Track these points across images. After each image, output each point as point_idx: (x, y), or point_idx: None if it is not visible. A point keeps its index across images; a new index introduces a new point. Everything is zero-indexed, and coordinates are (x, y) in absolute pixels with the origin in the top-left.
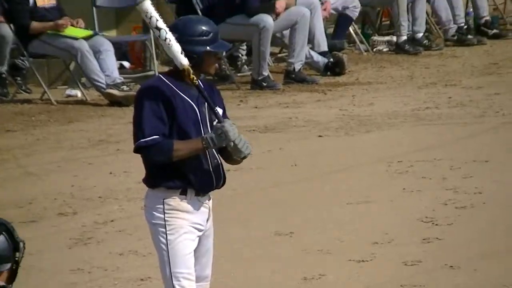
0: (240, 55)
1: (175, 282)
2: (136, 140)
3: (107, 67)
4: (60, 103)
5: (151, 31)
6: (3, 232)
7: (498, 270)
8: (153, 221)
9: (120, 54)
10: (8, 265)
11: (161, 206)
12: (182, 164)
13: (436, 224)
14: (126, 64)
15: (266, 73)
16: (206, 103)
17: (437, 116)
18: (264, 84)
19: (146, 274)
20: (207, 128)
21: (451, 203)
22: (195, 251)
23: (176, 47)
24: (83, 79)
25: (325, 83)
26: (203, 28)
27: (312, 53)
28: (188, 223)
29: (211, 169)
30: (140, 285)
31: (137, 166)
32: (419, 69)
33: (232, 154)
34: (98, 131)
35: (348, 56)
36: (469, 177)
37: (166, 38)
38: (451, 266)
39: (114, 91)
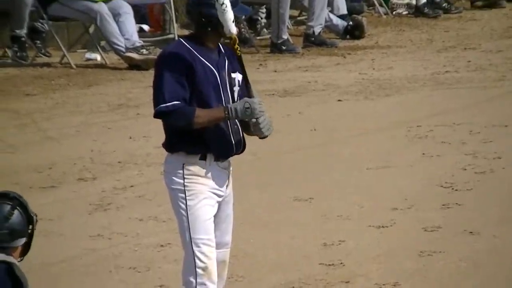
0: (259, 18)
1: (195, 248)
2: (157, 105)
3: (127, 30)
4: (80, 66)
5: None
6: (17, 207)
7: None
8: (173, 186)
9: (139, 17)
10: (24, 239)
11: (181, 171)
12: (202, 130)
13: (456, 190)
14: (146, 27)
15: (285, 36)
16: (226, 70)
17: (457, 80)
18: (284, 47)
19: (166, 240)
20: (227, 93)
21: (470, 168)
22: (214, 217)
23: (230, 14)
24: (103, 43)
25: (344, 47)
26: None
27: (332, 16)
28: (208, 188)
29: (231, 136)
30: (160, 251)
31: (156, 131)
32: (439, 33)
33: (252, 131)
34: (117, 95)
35: (367, 19)
36: (489, 142)
37: (223, 3)
38: (471, 232)
39: (134, 55)
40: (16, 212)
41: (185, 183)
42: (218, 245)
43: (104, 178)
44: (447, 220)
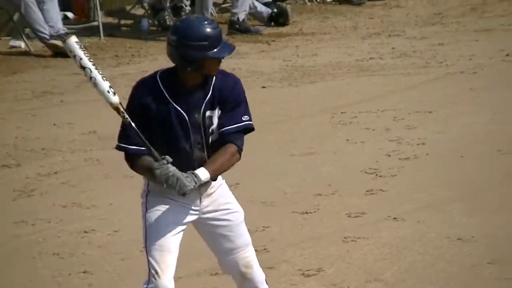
0: (183, 5)
1: (148, 255)
2: (118, 140)
3: (51, 18)
4: (4, 54)
5: None
6: None
7: (441, 221)
8: (141, 200)
9: (64, 4)
10: None
11: (146, 185)
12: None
13: (380, 176)
14: (70, 15)
15: None
16: (202, 110)
17: (381, 66)
18: None
19: (90, 227)
20: (199, 135)
21: (394, 154)
22: (209, 232)
23: (102, 86)
24: (27, 30)
25: (269, 34)
26: (204, 33)
27: (256, 3)
28: (171, 200)
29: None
30: (84, 237)
31: (81, 118)
32: (363, 20)
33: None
34: (41, 82)
35: (292, 7)
36: (413, 128)
37: (91, 77)
38: (395, 218)
39: (58, 42)
40: None
41: (147, 197)
42: (227, 252)
43: (28, 165)
44: (371, 206)
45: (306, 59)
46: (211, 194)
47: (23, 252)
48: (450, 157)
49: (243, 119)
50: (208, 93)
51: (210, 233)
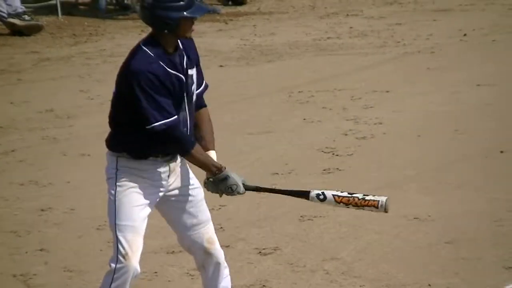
0: None
1: (118, 234)
2: (152, 123)
3: None
4: None
5: None
6: None
7: (398, 200)
8: (107, 176)
9: None
10: None
11: (115, 163)
12: (152, 142)
13: (337, 155)
14: None
15: None
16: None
17: (338, 46)
18: None
19: (47, 205)
20: (189, 94)
21: (351, 134)
22: (173, 208)
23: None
24: None
25: (226, 13)
26: None
27: None
28: (142, 178)
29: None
30: (41, 215)
31: (38, 96)
32: None
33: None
34: None
35: None
36: (370, 108)
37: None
38: None
39: (16, 21)
40: None
41: (117, 173)
42: (190, 228)
43: None
44: (328, 185)
45: (263, 38)
46: (177, 170)
47: None
48: (407, 136)
49: (204, 79)
50: (183, 53)
51: (173, 209)
